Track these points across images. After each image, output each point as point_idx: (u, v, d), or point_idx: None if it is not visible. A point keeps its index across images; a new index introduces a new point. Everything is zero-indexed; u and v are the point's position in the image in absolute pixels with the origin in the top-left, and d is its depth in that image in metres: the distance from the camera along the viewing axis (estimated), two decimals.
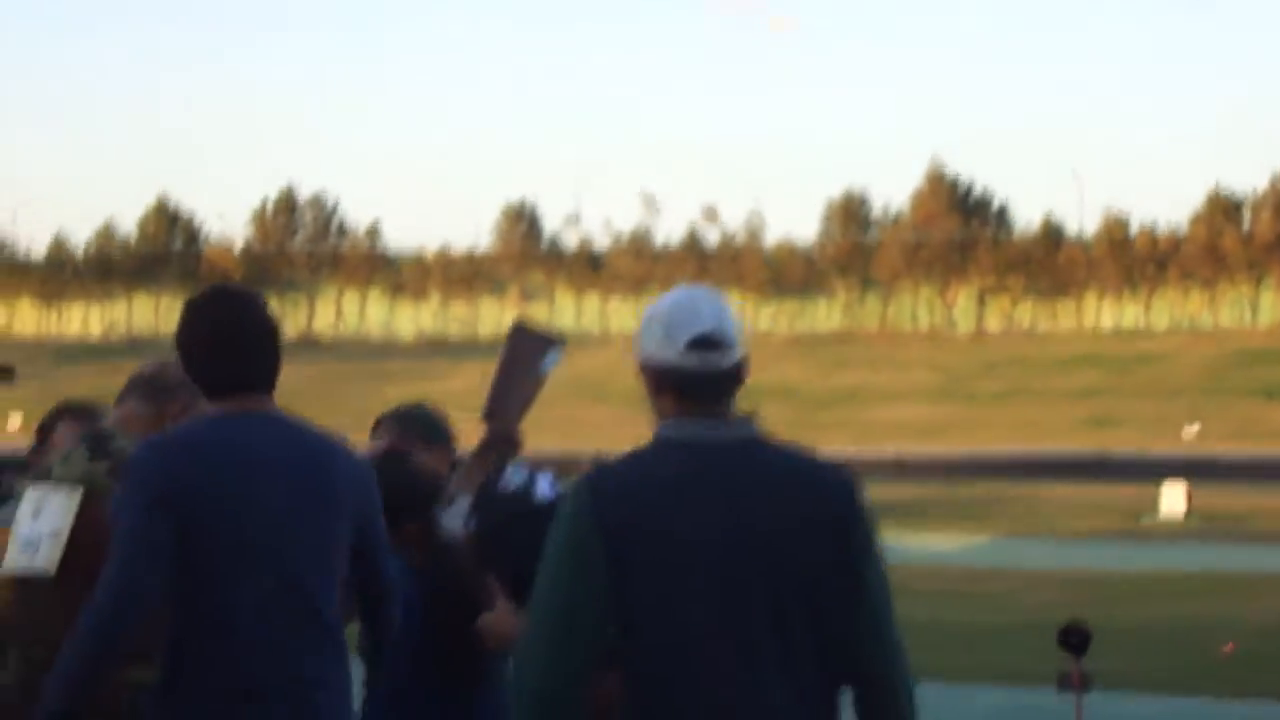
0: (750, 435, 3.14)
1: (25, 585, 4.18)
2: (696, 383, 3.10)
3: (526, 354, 4.58)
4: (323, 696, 3.56)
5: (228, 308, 3.95)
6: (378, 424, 4.84)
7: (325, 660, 3.60)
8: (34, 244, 68.43)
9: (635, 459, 3.16)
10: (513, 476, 4.35)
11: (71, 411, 4.78)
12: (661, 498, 3.01)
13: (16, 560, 4.18)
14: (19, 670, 4.24)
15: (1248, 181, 68.16)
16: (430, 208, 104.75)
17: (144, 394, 4.45)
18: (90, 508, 4.01)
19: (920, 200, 64.06)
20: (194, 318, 3.93)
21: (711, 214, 63.91)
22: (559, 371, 4.27)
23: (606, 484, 3.10)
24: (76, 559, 4.00)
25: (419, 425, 4.80)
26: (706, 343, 3.08)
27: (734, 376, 3.12)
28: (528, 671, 3.01)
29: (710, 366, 3.07)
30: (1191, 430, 41.57)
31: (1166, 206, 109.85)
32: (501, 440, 4.59)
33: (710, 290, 3.29)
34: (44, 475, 4.31)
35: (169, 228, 69.19)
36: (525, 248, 66.05)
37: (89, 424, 4.59)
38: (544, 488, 4.05)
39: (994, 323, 57.82)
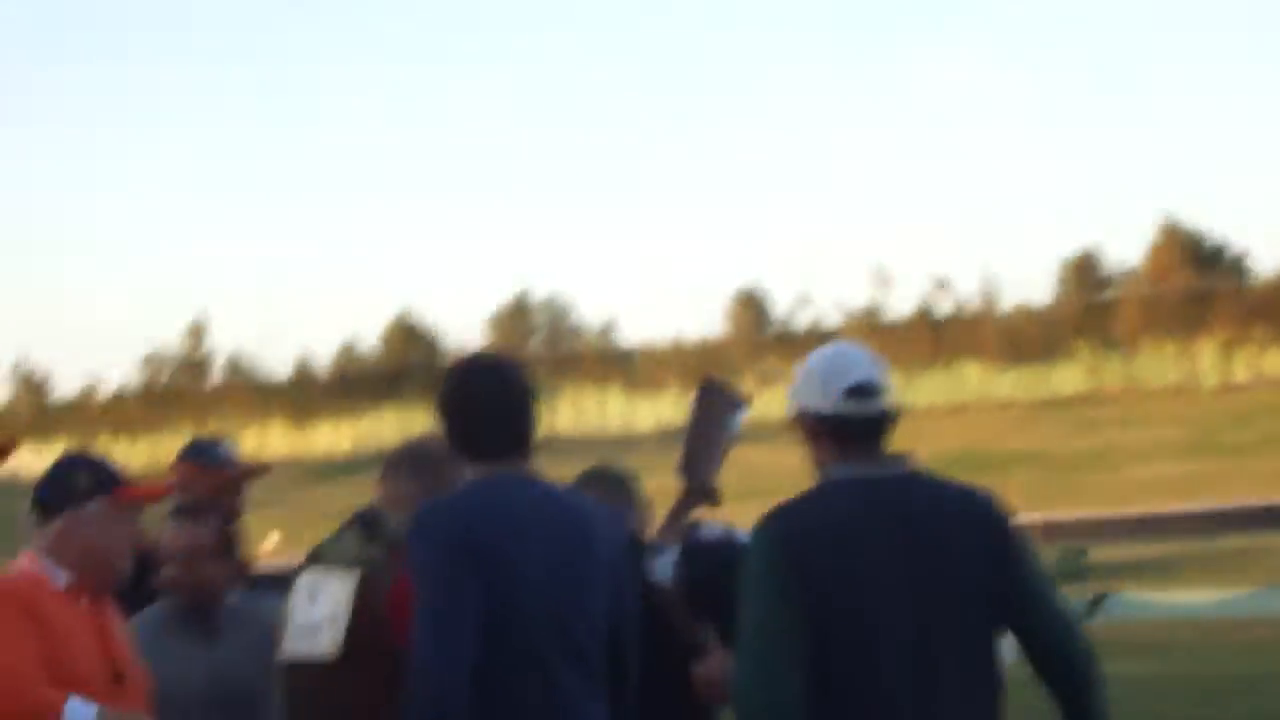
0: (908, 471, 3.62)
1: (308, 671, 4.39)
2: (854, 427, 3.59)
3: (717, 410, 4.88)
4: None
5: (490, 373, 4.18)
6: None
7: (596, 705, 3.85)
8: (280, 365, 70.16)
9: (808, 500, 3.62)
10: (712, 528, 4.62)
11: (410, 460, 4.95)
12: (840, 532, 3.44)
13: (297, 646, 4.42)
14: None
15: None
16: (663, 299, 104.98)
17: (411, 470, 4.63)
18: (367, 590, 4.28)
19: (1156, 254, 62.52)
20: (458, 384, 4.16)
21: (943, 283, 63.25)
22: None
23: (790, 524, 3.54)
24: (357, 642, 4.26)
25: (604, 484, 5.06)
26: (861, 390, 3.59)
27: (887, 420, 3.62)
28: (747, 707, 3.32)
29: (866, 412, 3.57)
30: None
31: None
32: (700, 493, 4.85)
33: (858, 344, 3.70)
34: (316, 559, 4.55)
35: (410, 341, 70.02)
36: (757, 332, 66.06)
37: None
38: (744, 537, 4.29)
39: (1240, 373, 56.10)
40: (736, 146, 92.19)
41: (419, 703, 3.75)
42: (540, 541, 3.92)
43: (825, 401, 3.67)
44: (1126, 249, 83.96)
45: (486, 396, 4.03)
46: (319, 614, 4.32)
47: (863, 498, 3.55)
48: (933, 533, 3.50)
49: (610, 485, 5.07)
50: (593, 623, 3.92)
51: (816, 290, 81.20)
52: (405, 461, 4.63)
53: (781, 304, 66.99)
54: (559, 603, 3.88)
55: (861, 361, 3.79)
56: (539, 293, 69.98)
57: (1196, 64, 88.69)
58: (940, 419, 49.66)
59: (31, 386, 71.10)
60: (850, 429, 3.63)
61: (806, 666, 3.36)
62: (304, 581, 4.44)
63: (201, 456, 5.53)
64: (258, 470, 5.88)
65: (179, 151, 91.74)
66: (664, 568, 4.61)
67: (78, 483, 4.04)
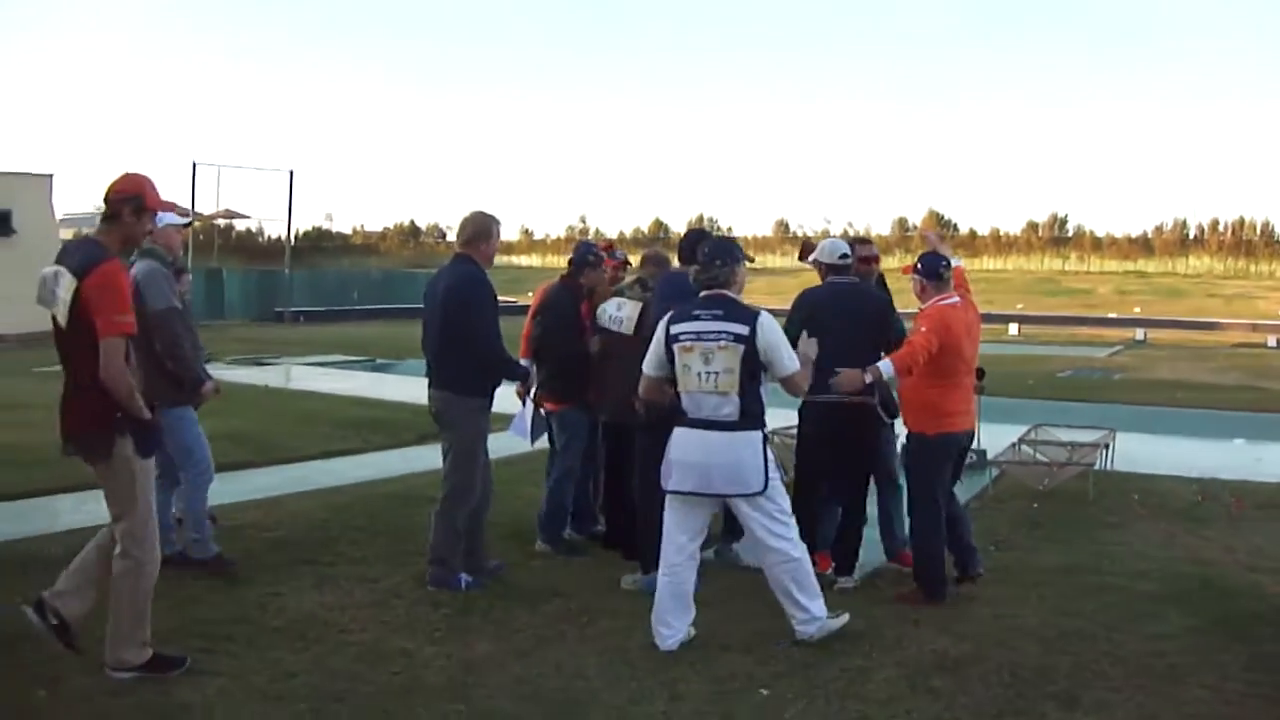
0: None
1: (615, 337, 9.53)
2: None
3: None
4: None
5: (697, 233, 9.24)
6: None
7: None
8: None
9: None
10: None
11: (649, 260, 10.05)
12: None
13: (609, 325, 9.57)
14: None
15: None
16: None
17: (652, 262, 9.93)
18: (642, 313, 9.31)
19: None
20: (687, 234, 9.23)
21: None
22: None
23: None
24: (638, 329, 9.20)
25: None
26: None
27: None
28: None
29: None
30: None
31: None
32: None
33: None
34: (619, 293, 9.78)
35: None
36: None
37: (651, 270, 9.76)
38: None
39: None
40: None
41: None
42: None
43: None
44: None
45: (689, 240, 9.13)
46: (621, 314, 9.64)
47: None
48: None
49: (660, 263, 10.11)
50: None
51: None
52: (649, 259, 10.21)
53: None
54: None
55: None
56: None
57: None
58: None
59: None
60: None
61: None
62: (613, 301, 9.78)
63: (609, 253, 10.39)
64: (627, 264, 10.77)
65: None
66: None
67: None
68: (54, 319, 6.45)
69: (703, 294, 7.58)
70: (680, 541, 7.56)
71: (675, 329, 7.48)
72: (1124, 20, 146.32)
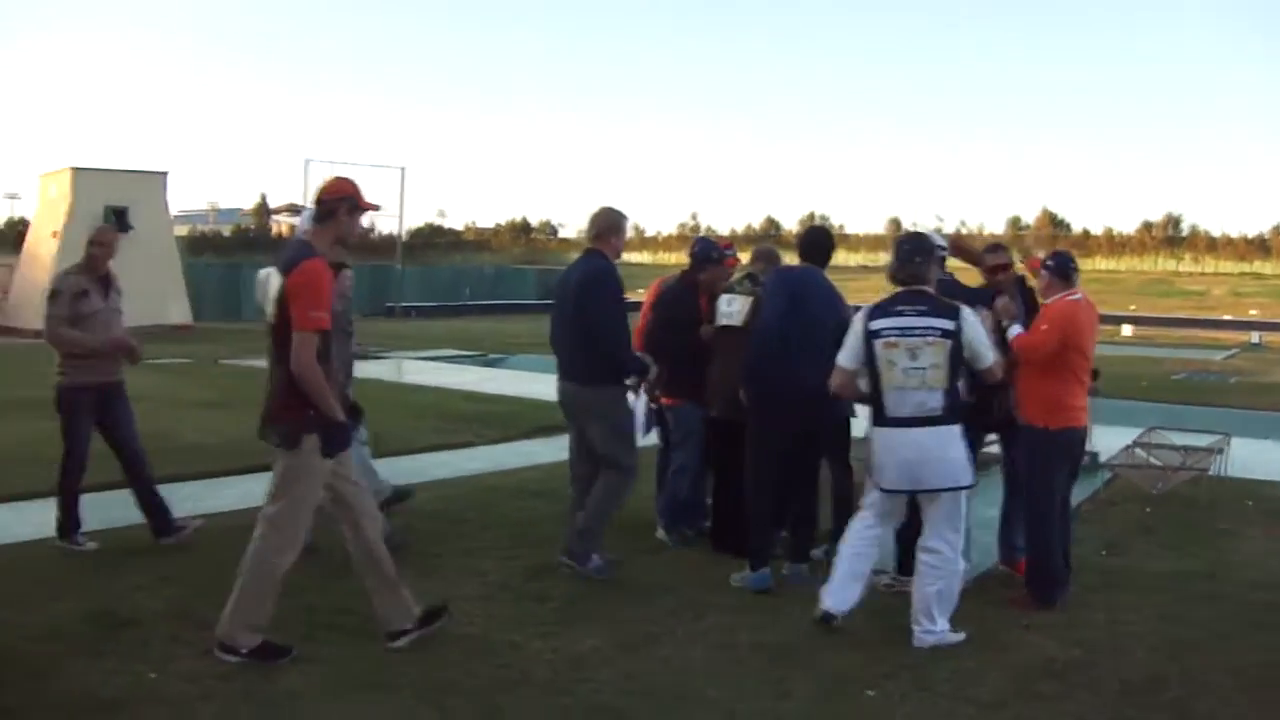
0: None
1: (725, 330, 9.83)
2: None
3: None
4: None
5: (816, 230, 9.59)
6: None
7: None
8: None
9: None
10: None
11: (759, 256, 10.43)
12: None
13: (723, 320, 9.81)
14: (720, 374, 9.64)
15: None
16: None
17: (762, 258, 10.32)
18: (754, 305, 9.56)
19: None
20: (805, 231, 9.56)
21: None
22: None
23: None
24: (748, 322, 9.55)
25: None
26: None
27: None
28: None
29: None
30: None
31: None
32: None
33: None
34: (730, 289, 9.97)
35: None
36: None
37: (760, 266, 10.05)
38: None
39: None
40: None
41: (759, 341, 9.08)
42: (807, 295, 9.02)
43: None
44: None
45: (809, 238, 9.54)
46: (732, 309, 9.89)
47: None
48: None
49: (771, 259, 10.47)
50: (819, 321, 8.87)
51: None
52: (759, 254, 10.55)
53: None
54: (804, 313, 8.94)
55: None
56: None
57: None
58: None
59: None
60: None
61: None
62: (724, 297, 10.02)
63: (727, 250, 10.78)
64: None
65: None
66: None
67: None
68: (268, 315, 6.86)
69: (901, 290, 7.75)
70: (870, 521, 7.91)
71: (876, 324, 7.66)
72: (1239, 17, 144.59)
